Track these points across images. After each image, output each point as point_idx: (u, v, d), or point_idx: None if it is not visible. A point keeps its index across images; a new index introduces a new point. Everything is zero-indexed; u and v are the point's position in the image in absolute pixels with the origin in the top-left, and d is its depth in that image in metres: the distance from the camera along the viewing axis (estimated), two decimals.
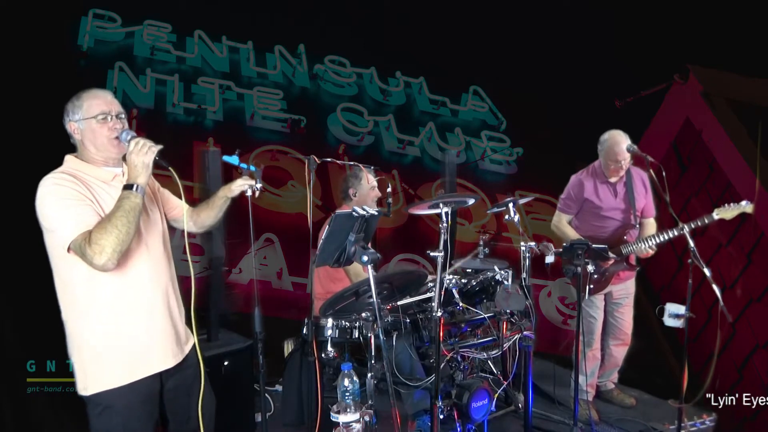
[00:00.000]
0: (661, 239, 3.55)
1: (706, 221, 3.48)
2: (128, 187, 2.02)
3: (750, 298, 5.32)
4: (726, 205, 3.51)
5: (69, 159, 2.17)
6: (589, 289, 3.63)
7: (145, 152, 2.04)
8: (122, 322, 2.10)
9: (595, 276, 3.65)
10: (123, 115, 2.18)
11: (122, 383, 2.09)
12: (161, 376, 2.20)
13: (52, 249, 2.05)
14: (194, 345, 2.36)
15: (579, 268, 3.28)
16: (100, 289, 2.06)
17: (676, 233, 3.43)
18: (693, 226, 3.45)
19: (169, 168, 2.12)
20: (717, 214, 3.49)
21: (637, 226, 3.77)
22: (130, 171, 2.05)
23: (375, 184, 3.77)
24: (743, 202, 3.49)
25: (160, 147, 2.08)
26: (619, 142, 3.65)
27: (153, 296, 2.18)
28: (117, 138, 2.13)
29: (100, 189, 2.10)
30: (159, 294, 2.20)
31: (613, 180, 3.77)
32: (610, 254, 3.61)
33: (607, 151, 3.68)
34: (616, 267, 3.71)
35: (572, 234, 3.75)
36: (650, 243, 3.59)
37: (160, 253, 2.25)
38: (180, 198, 2.40)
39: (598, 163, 3.83)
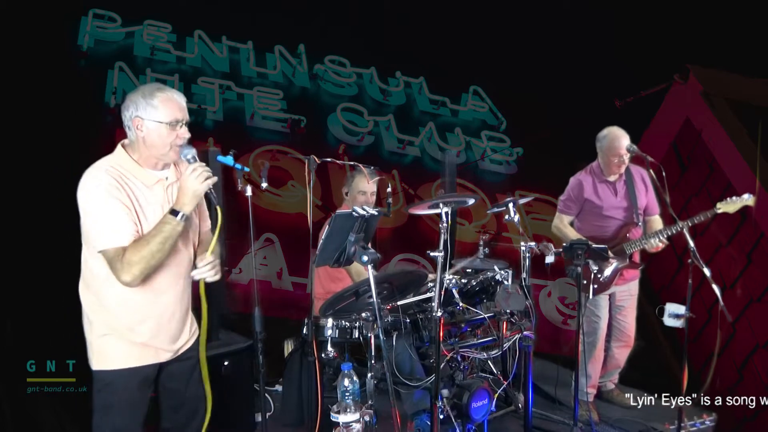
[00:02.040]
0: (672, 232, 3.53)
1: (709, 215, 3.50)
2: (174, 212, 2.03)
3: (750, 298, 5.32)
4: (728, 198, 3.53)
5: (120, 152, 2.14)
6: (594, 289, 3.62)
7: (201, 181, 2.04)
8: (139, 315, 2.15)
9: (599, 276, 3.65)
10: (188, 121, 2.16)
11: (125, 366, 2.14)
12: (161, 363, 2.25)
13: (85, 242, 2.11)
14: (197, 339, 2.39)
15: (579, 268, 3.27)
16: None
17: (688, 223, 3.44)
18: (697, 220, 3.48)
19: (218, 207, 2.12)
20: (720, 208, 3.50)
21: (640, 224, 3.77)
22: (181, 196, 2.05)
23: (365, 189, 3.71)
24: (745, 195, 3.51)
25: (215, 179, 2.07)
26: (619, 136, 3.65)
27: (173, 294, 2.23)
28: (180, 146, 2.12)
29: (140, 193, 2.11)
30: (178, 292, 2.25)
31: (612, 179, 3.77)
32: (611, 253, 3.61)
33: (608, 146, 3.68)
34: (620, 265, 3.71)
35: (573, 235, 3.73)
36: (660, 236, 3.56)
37: (187, 253, 2.28)
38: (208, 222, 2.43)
39: (596, 163, 3.83)
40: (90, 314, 2.17)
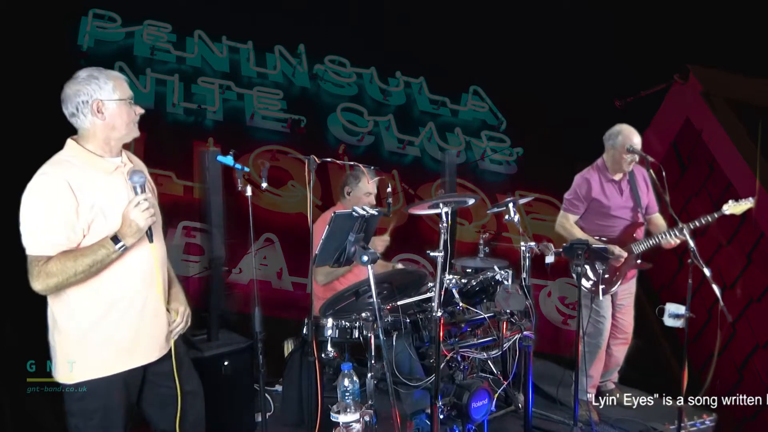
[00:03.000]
0: (684, 230, 3.50)
1: (717, 216, 3.53)
2: (116, 239, 1.98)
3: (750, 298, 5.32)
4: (731, 201, 3.56)
5: (71, 146, 2.10)
6: (602, 289, 3.61)
7: (145, 217, 2.00)
8: (113, 315, 2.10)
9: (607, 276, 3.64)
10: None
11: (107, 374, 2.09)
12: (144, 366, 2.21)
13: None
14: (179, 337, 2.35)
15: (579, 268, 3.28)
16: (93, 281, 2.04)
17: (696, 223, 3.48)
18: (704, 221, 3.52)
19: (152, 242, 2.08)
20: (727, 210, 3.53)
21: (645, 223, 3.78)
22: (124, 226, 1.99)
23: (372, 191, 3.74)
24: (750, 199, 3.56)
25: (156, 219, 2.06)
26: (633, 133, 3.66)
27: (147, 291, 2.17)
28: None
29: (101, 182, 2.06)
30: (153, 288, 2.18)
31: (617, 177, 3.76)
32: (618, 252, 3.60)
33: (623, 143, 3.66)
34: (630, 265, 3.70)
35: (581, 235, 3.69)
36: (678, 233, 3.54)
37: (159, 248, 2.23)
38: None
39: (601, 161, 3.81)
40: (64, 324, 2.07)
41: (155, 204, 2.05)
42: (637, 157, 3.66)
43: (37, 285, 1.96)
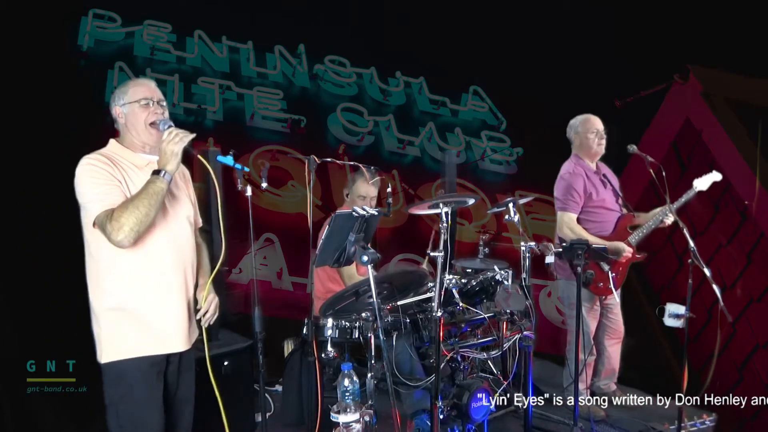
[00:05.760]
0: (677, 205, 3.57)
1: (690, 195, 3.60)
2: (156, 172, 2.13)
3: (750, 298, 5.32)
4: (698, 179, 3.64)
5: (111, 142, 2.31)
6: (613, 287, 3.59)
7: (176, 141, 2.14)
8: (140, 299, 2.19)
9: (614, 274, 3.64)
10: (164, 103, 2.32)
11: (133, 355, 2.18)
12: (168, 356, 2.28)
13: (84, 224, 2.17)
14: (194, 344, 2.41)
15: (579, 268, 3.27)
16: (124, 265, 2.16)
17: (686, 198, 3.58)
18: (684, 200, 3.58)
19: (198, 156, 2.30)
20: (696, 186, 3.60)
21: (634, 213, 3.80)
22: (161, 158, 2.15)
23: (365, 194, 3.72)
24: (714, 172, 3.63)
25: (191, 137, 2.18)
26: (589, 115, 3.79)
27: (173, 278, 2.26)
28: (154, 124, 2.25)
29: (132, 173, 2.22)
30: (179, 277, 2.28)
31: (594, 167, 3.77)
32: (628, 249, 3.59)
33: (584, 123, 3.78)
34: (632, 257, 3.69)
35: (587, 234, 3.62)
36: (665, 211, 3.56)
37: (186, 238, 2.34)
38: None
39: (574, 156, 3.83)
40: (97, 308, 2.19)
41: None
42: (603, 134, 3.73)
43: (116, 235, 2.05)
